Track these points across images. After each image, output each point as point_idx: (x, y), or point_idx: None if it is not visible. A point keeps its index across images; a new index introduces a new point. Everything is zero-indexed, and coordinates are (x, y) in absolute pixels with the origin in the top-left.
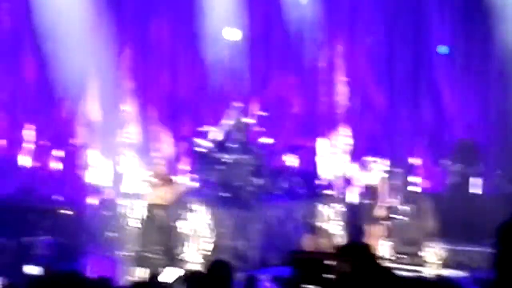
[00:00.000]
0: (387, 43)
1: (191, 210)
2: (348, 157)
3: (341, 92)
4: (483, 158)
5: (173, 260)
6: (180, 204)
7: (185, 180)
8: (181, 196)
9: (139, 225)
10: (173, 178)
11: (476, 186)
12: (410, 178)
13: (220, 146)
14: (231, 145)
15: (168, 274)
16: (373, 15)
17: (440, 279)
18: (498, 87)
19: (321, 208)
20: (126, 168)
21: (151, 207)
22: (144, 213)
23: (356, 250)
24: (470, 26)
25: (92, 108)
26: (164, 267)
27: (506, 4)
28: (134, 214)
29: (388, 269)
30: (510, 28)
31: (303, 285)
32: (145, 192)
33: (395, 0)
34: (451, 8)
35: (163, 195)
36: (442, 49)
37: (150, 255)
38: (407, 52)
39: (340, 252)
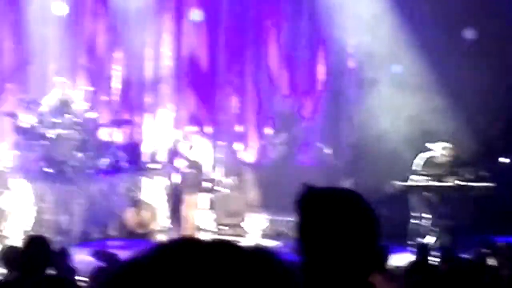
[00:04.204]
0: (213, 15)
1: (12, 186)
2: (172, 131)
3: (166, 65)
4: (307, 130)
5: None
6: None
7: (6, 156)
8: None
9: None
10: None
11: (300, 156)
12: (234, 150)
13: (45, 121)
14: (55, 120)
15: None
16: None
17: (255, 248)
18: (326, 66)
19: (145, 181)
20: None
21: None
22: None
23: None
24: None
25: None
26: None
27: None
28: None
29: None
30: None
31: None
32: None
33: None
34: None
35: None
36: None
37: None
38: (233, 25)
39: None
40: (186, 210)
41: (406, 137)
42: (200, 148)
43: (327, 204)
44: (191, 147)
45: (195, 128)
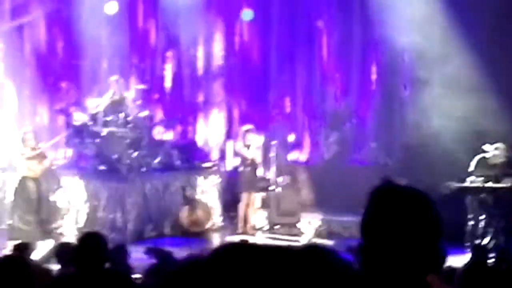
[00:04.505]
0: (264, 15)
1: (66, 183)
2: (226, 129)
3: (219, 64)
4: (360, 130)
5: (46, 232)
6: (53, 176)
7: (60, 153)
8: (52, 168)
9: (12, 198)
10: (43, 151)
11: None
12: (286, 149)
13: (98, 119)
14: (108, 118)
15: (41, 249)
16: None
17: (309, 246)
18: (377, 59)
19: (198, 180)
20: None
21: (22, 179)
22: (16, 186)
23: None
24: (348, 3)
25: None
26: (37, 239)
27: None
28: (7, 186)
29: None
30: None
31: None
32: (16, 164)
33: None
34: None
35: (33, 167)
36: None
37: (23, 227)
38: (285, 25)
39: None
40: (243, 209)
41: (459, 137)
42: (256, 147)
43: (401, 199)
44: (248, 145)
45: (251, 127)
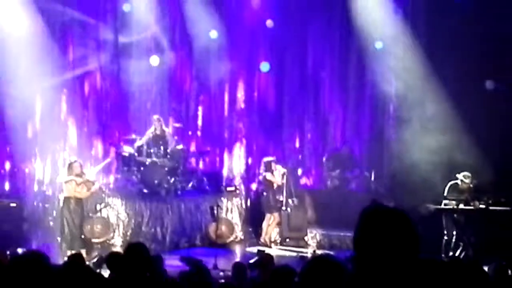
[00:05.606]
0: (279, 67)
1: (115, 203)
2: (245, 160)
3: (241, 107)
4: (357, 164)
5: (96, 244)
6: (97, 198)
7: (111, 179)
8: (96, 191)
9: (64, 215)
10: (89, 177)
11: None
12: (296, 177)
13: (142, 151)
14: (151, 150)
15: (91, 257)
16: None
17: (320, 256)
18: (370, 108)
19: (224, 201)
20: (59, 169)
21: (70, 200)
22: (66, 205)
23: None
24: (346, 57)
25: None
26: (86, 249)
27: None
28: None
29: None
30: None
31: None
32: (66, 188)
33: (285, 33)
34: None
35: (80, 191)
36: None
37: (74, 240)
38: (295, 75)
39: None
40: (265, 225)
41: (435, 167)
42: (279, 174)
43: (385, 218)
44: (272, 173)
45: (272, 158)
